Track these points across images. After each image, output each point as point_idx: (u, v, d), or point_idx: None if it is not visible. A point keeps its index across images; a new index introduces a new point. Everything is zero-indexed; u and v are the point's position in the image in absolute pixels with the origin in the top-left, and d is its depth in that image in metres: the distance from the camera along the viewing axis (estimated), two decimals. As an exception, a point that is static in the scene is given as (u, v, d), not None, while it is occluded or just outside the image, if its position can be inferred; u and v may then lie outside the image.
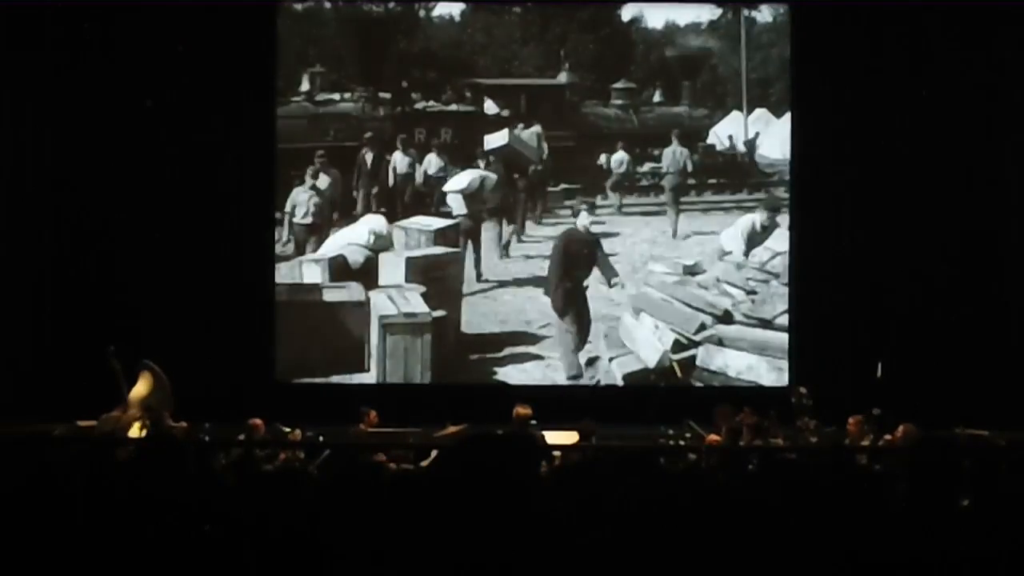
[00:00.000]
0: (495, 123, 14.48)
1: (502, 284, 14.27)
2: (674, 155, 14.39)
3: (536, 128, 14.35)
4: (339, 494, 4.98)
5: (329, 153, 14.32)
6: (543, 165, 14.35)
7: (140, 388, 11.06)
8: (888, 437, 10.00)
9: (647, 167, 14.53)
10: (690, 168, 14.40)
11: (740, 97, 14.40)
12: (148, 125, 13.57)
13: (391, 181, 14.24)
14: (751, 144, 14.42)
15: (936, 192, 13.56)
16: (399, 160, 14.28)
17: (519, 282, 14.19)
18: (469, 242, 14.23)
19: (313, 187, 14.19)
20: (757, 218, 14.09)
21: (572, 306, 13.77)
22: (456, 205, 14.24)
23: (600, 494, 4.89)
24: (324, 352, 13.97)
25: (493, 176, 14.19)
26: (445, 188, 14.16)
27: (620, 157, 14.41)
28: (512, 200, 14.40)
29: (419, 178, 14.23)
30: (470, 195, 14.11)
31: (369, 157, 14.23)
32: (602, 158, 14.39)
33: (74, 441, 7.98)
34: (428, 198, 14.27)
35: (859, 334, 13.46)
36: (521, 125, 14.30)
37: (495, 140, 14.29)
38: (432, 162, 14.34)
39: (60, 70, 13.61)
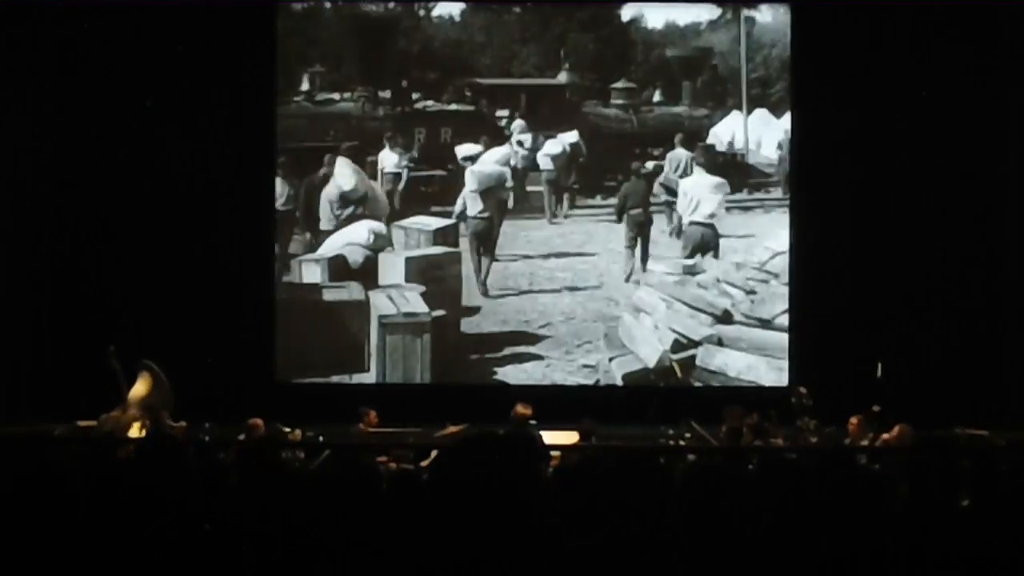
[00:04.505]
0: (495, 123, 14.50)
1: (566, 217, 14.48)
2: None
3: None
4: (339, 494, 4.97)
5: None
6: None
7: (140, 388, 11.05)
8: (885, 437, 9.99)
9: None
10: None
11: (740, 97, 14.40)
12: (148, 125, 13.57)
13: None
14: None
15: (936, 192, 13.57)
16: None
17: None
18: (552, 189, 14.50)
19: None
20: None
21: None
22: (544, 163, 14.49)
23: (600, 494, 4.88)
24: (324, 352, 13.98)
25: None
26: (540, 151, 14.49)
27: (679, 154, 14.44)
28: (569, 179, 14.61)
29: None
30: (556, 158, 14.49)
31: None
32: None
33: (74, 441, 7.99)
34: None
35: (859, 334, 13.45)
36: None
37: (570, 137, 14.45)
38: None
39: (60, 70, 13.62)
